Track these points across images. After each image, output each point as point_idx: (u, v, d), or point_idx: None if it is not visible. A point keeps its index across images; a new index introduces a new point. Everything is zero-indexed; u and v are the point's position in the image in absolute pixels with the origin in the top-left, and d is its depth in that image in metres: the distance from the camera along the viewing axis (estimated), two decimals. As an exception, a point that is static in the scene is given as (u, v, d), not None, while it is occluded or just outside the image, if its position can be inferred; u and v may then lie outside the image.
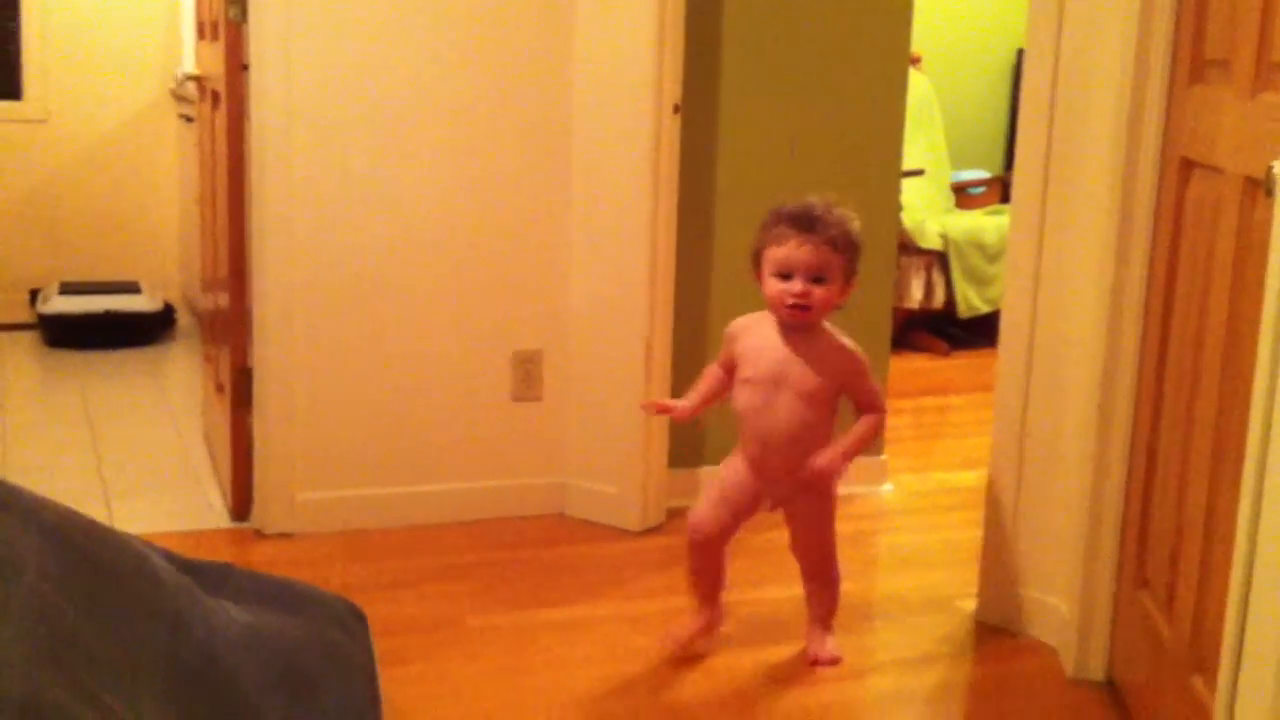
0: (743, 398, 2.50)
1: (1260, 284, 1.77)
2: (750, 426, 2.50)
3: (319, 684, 1.81)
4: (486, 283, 3.33)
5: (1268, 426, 1.70)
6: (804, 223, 2.40)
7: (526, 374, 3.38)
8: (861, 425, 2.49)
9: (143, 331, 5.44)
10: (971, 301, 5.67)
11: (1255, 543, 1.72)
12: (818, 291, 2.41)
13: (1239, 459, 1.80)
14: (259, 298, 3.18)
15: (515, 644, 2.69)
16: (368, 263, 3.23)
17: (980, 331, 5.60)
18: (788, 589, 2.80)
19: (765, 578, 2.97)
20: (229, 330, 3.34)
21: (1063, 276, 2.66)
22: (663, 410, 2.72)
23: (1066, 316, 2.66)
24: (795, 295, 2.40)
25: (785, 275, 2.41)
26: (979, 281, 5.67)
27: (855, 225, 2.46)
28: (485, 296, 3.33)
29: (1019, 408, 2.76)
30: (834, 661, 2.61)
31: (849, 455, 2.48)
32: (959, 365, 5.50)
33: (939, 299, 5.67)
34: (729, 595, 2.69)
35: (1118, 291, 2.49)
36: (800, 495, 2.54)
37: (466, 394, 3.36)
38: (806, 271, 2.40)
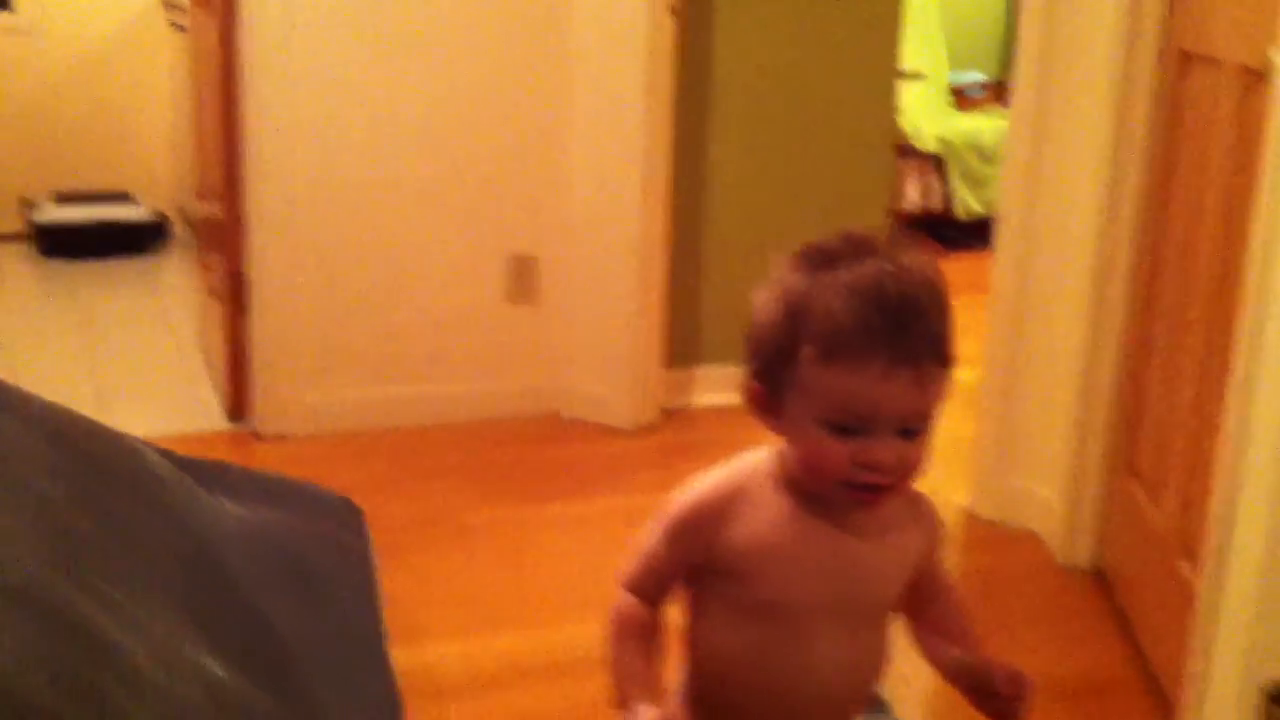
0: (751, 632, 1.27)
1: (1256, 173, 1.77)
2: (767, 676, 1.27)
3: (319, 576, 1.83)
4: (482, 187, 3.31)
5: (1260, 316, 1.71)
6: (898, 328, 1.13)
7: (521, 277, 3.38)
8: (965, 615, 1.37)
9: (138, 241, 5.42)
10: (969, 204, 5.65)
11: (1245, 429, 1.73)
12: (914, 454, 1.18)
13: (1230, 348, 1.81)
14: (254, 202, 3.17)
15: (511, 539, 2.72)
16: (363, 166, 3.21)
17: (977, 234, 5.58)
18: None
19: None
20: (224, 235, 3.33)
21: (1060, 173, 2.65)
22: None
23: (1063, 213, 2.65)
24: (880, 471, 1.16)
25: (854, 428, 1.16)
26: (976, 183, 5.65)
27: (945, 287, 1.18)
28: (481, 200, 3.32)
29: (1013, 302, 2.76)
30: None
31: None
32: (956, 267, 5.37)
33: (936, 201, 5.66)
34: None
35: (1115, 186, 2.48)
36: None
37: (462, 297, 3.36)
38: (900, 420, 1.15)
